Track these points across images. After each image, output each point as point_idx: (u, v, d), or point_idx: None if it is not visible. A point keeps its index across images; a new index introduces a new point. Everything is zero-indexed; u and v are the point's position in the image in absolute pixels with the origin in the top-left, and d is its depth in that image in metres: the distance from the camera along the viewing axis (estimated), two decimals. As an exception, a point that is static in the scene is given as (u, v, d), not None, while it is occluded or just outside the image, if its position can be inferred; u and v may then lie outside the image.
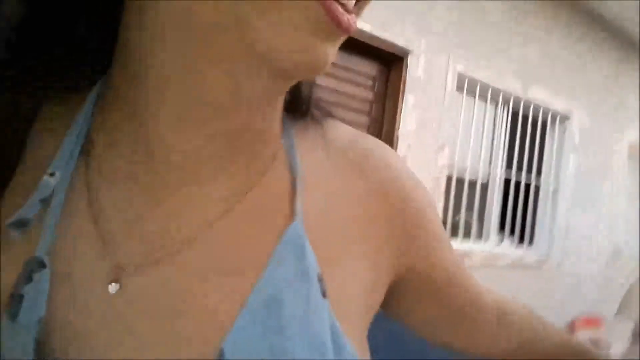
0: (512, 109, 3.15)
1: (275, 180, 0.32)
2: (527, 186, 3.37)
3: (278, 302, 0.28)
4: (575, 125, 3.46)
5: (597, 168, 3.71)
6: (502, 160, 3.16)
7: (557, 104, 3.31)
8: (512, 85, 2.99)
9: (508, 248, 3.22)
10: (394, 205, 0.36)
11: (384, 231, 0.35)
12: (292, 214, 0.31)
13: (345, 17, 0.26)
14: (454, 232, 2.91)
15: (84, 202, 0.30)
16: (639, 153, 4.17)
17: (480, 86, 2.86)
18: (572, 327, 3.48)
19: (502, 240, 3.27)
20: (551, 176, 3.45)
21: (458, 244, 2.88)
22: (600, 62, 3.67)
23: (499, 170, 3.14)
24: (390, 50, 2.39)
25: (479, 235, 3.10)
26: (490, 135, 3.09)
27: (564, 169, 3.45)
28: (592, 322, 3.61)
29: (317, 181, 0.34)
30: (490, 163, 3.09)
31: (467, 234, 2.98)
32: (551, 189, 3.45)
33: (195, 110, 0.29)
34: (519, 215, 3.30)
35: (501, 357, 0.47)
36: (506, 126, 3.16)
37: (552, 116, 3.41)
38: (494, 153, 3.11)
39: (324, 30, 0.26)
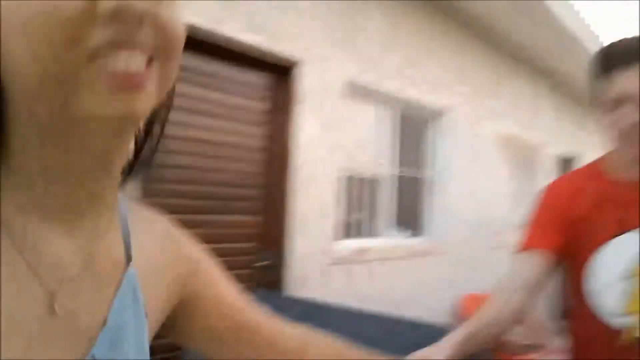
0: (397, 108, 3.39)
1: (114, 243, 0.45)
2: (415, 180, 3.65)
3: (123, 328, 0.43)
4: (453, 119, 3.80)
5: (473, 157, 4.11)
6: (391, 158, 3.39)
7: (436, 101, 3.61)
8: (395, 87, 3.21)
9: (401, 239, 3.46)
10: (185, 266, 0.53)
11: (181, 278, 0.52)
12: (126, 267, 0.45)
13: (132, 79, 0.33)
14: (353, 231, 3.06)
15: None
16: (508, 142, 4.70)
17: (366, 90, 3.03)
18: (461, 303, 3.85)
19: (395, 233, 3.51)
20: (433, 168, 3.76)
21: (357, 242, 3.04)
22: (473, 61, 4.06)
23: (388, 167, 3.35)
24: (280, 61, 2.44)
25: (374, 230, 3.29)
26: (379, 135, 3.29)
27: (444, 160, 3.78)
28: (479, 298, 4.02)
29: (141, 245, 0.48)
30: (380, 162, 3.30)
31: (363, 231, 3.16)
32: (433, 180, 3.76)
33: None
34: (409, 208, 3.56)
35: None
36: (392, 125, 3.38)
37: (431, 112, 3.71)
38: (383, 152, 3.32)
39: (119, 94, 0.33)
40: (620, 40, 1.11)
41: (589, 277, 1.15)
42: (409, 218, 3.59)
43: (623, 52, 1.07)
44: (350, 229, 3.06)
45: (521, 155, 5.09)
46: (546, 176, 5.68)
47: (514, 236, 4.38)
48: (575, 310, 1.24)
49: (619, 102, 1.07)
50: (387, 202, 3.37)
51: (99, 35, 0.32)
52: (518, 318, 1.10)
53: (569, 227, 1.16)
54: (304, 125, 2.55)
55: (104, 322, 0.41)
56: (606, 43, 1.14)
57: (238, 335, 0.58)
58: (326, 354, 0.63)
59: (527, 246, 1.17)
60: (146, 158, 0.46)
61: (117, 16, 0.32)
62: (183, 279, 0.53)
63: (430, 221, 3.74)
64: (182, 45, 0.38)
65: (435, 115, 3.74)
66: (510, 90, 4.73)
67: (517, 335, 3.94)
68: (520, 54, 4.86)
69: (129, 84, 0.33)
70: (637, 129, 1.04)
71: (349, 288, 2.85)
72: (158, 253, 0.50)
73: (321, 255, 2.66)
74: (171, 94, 0.43)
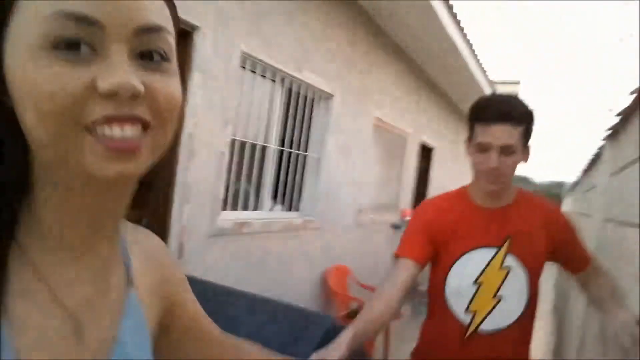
0: (288, 87, 3.46)
1: (117, 268, 0.51)
2: (297, 157, 3.79)
3: (128, 344, 0.49)
4: (336, 103, 4.00)
5: (351, 139, 4.39)
6: (277, 134, 3.47)
7: (323, 85, 3.77)
8: (288, 66, 3.27)
9: (281, 214, 3.60)
10: (170, 279, 0.60)
11: (166, 291, 0.59)
12: (128, 290, 0.51)
13: (127, 144, 0.39)
14: (236, 203, 3.11)
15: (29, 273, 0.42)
16: (382, 129, 5.07)
17: (261, 65, 3.05)
18: (327, 273, 4.16)
19: (276, 207, 3.64)
20: (316, 148, 3.94)
21: (240, 214, 3.10)
22: (361, 52, 4.28)
23: (274, 143, 3.44)
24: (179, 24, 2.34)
25: (257, 204, 3.38)
26: (269, 111, 3.35)
27: (326, 141, 3.98)
28: (341, 269, 4.37)
29: (138, 266, 0.54)
30: (266, 137, 3.36)
31: (246, 204, 3.22)
32: (315, 159, 3.95)
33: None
34: (290, 184, 3.70)
35: None
36: (282, 103, 3.46)
37: (319, 96, 3.87)
38: (270, 127, 3.39)
39: (115, 158, 0.39)
40: (493, 97, 1.37)
41: (449, 280, 1.39)
42: (289, 193, 3.74)
43: (494, 108, 1.31)
44: (235, 201, 3.10)
45: (391, 142, 5.54)
46: (411, 162, 6.27)
47: (377, 216, 4.84)
48: (434, 309, 1.48)
49: (483, 148, 1.31)
50: (270, 176, 3.47)
51: (98, 110, 0.38)
52: (395, 314, 1.29)
53: (437, 238, 1.39)
54: (196, 93, 2.50)
55: (114, 339, 0.47)
56: (483, 94, 1.41)
57: (202, 345, 0.66)
58: None
59: (401, 254, 1.37)
60: (147, 196, 0.52)
61: (114, 95, 0.37)
62: (168, 295, 0.59)
63: (307, 198, 3.93)
64: (177, 113, 0.43)
65: (322, 98, 3.90)
66: (388, 82, 5.09)
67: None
68: (404, 55, 5.24)
69: (124, 149, 0.39)
70: (494, 173, 1.31)
71: (229, 259, 2.91)
72: (150, 272, 0.57)
73: (204, 226, 2.67)
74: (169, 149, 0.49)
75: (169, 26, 0.43)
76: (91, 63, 0.38)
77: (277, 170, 3.57)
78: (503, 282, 1.36)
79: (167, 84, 0.42)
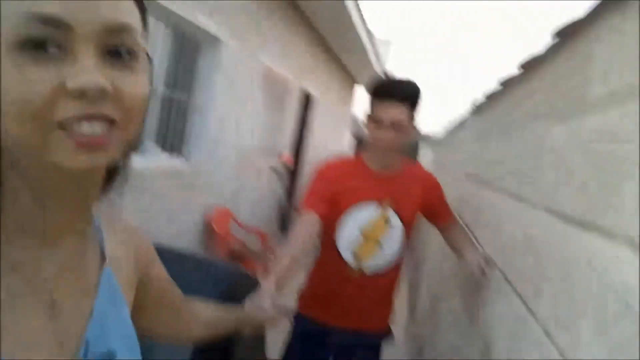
0: (174, 28, 3.30)
1: (92, 248, 0.55)
2: (182, 102, 3.69)
3: (105, 316, 0.53)
4: (224, 48, 3.91)
5: (238, 85, 4.36)
6: (162, 77, 3.33)
7: (212, 27, 3.65)
8: (175, 5, 3.11)
9: (166, 159, 3.53)
10: (140, 251, 0.65)
11: (138, 263, 0.64)
12: (102, 264, 0.55)
13: (95, 140, 0.41)
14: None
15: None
16: (267, 76, 5.09)
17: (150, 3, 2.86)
18: (211, 216, 4.23)
19: (159, 152, 3.54)
20: (202, 93, 3.86)
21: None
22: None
23: (159, 87, 3.30)
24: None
25: (142, 149, 3.27)
26: (153, 52, 3.18)
27: (212, 87, 3.91)
28: (223, 211, 4.47)
29: (110, 244, 0.58)
30: (153, 80, 3.21)
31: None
32: (201, 104, 3.88)
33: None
34: (174, 129, 3.61)
35: (198, 338, 0.85)
36: (167, 44, 3.30)
37: (207, 38, 3.74)
38: (155, 70, 3.23)
39: (84, 152, 0.41)
40: (389, 78, 1.56)
41: (340, 230, 1.61)
42: (174, 139, 3.66)
43: (388, 88, 1.50)
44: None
45: (274, 88, 5.60)
46: (292, 109, 6.41)
47: (259, 160, 4.95)
48: (323, 255, 1.69)
49: (377, 122, 1.51)
50: (154, 121, 3.35)
51: (68, 109, 0.39)
52: (305, 259, 1.44)
53: (334, 196, 1.57)
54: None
55: (91, 314, 0.51)
56: (380, 74, 1.59)
57: (172, 311, 0.73)
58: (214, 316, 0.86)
59: (306, 207, 1.52)
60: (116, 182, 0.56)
61: (82, 94, 0.39)
62: (141, 267, 0.65)
63: (192, 144, 3.88)
64: (144, 109, 0.45)
65: (209, 41, 3.79)
66: (274, 30, 5.07)
67: (255, 246, 4.60)
68: (291, 4, 5.21)
69: (92, 144, 0.41)
70: (385, 145, 1.53)
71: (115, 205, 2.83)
72: (122, 248, 0.61)
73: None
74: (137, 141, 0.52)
75: (137, 24, 0.44)
76: (60, 63, 0.39)
77: (161, 115, 3.45)
78: (384, 233, 1.62)
79: (135, 81, 0.43)
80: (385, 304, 1.76)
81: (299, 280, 1.70)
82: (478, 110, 2.45)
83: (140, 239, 0.66)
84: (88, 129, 0.40)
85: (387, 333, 1.82)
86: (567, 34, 1.00)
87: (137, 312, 0.62)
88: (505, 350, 1.02)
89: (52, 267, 0.48)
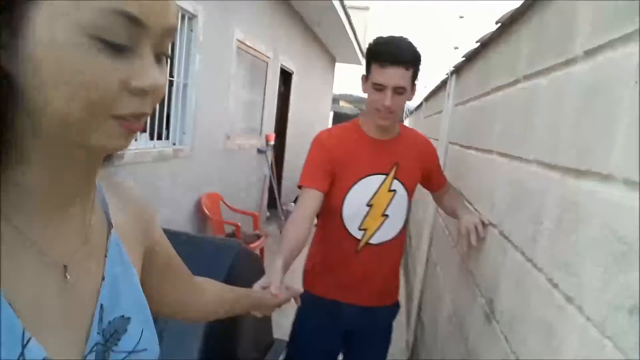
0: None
1: (98, 215, 0.55)
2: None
3: (117, 280, 0.54)
4: (200, 24, 3.84)
5: (216, 63, 4.29)
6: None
7: (186, 4, 3.57)
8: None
9: (151, 143, 3.49)
10: (145, 219, 0.65)
11: (143, 232, 0.64)
12: (109, 230, 0.56)
13: (137, 127, 0.45)
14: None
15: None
16: (246, 53, 5.00)
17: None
18: (202, 201, 4.21)
19: (142, 136, 3.49)
20: (181, 73, 3.80)
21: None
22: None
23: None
24: None
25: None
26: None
27: (191, 66, 3.85)
28: (213, 196, 4.45)
29: (115, 210, 0.58)
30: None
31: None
32: (181, 84, 3.82)
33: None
34: (156, 111, 3.56)
35: (211, 314, 0.86)
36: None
37: (182, 15, 3.66)
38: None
39: (124, 136, 0.45)
40: (389, 40, 1.49)
41: (346, 203, 1.57)
42: (156, 122, 3.61)
43: (390, 52, 1.45)
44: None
45: (253, 66, 5.53)
46: (272, 87, 6.35)
47: (243, 141, 4.96)
48: (329, 229, 1.64)
49: (378, 87, 1.47)
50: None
51: (126, 105, 0.42)
52: (308, 236, 1.43)
53: (334, 168, 1.53)
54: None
55: (103, 278, 0.52)
56: (377, 37, 1.52)
57: (180, 282, 0.74)
58: (222, 295, 0.87)
59: (306, 184, 1.50)
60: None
61: (142, 92, 0.43)
62: (146, 234, 0.65)
63: (175, 126, 3.84)
64: None
65: (185, 17, 3.71)
66: (248, 3, 4.97)
67: (247, 228, 4.60)
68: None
69: (133, 131, 0.45)
70: (387, 110, 1.49)
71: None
72: (128, 214, 0.61)
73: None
74: None
75: None
76: (127, 60, 0.41)
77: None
78: (390, 202, 1.60)
79: (165, 81, 0.46)
80: (393, 275, 1.73)
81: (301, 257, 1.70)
82: (458, 72, 2.46)
83: (144, 208, 0.66)
84: (136, 120, 0.44)
85: (396, 307, 1.79)
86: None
87: (146, 282, 0.62)
88: (511, 302, 1.05)
89: (61, 233, 0.49)
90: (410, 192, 1.65)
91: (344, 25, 7.78)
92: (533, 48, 1.14)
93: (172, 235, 1.70)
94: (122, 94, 0.42)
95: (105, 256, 0.53)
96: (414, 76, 1.51)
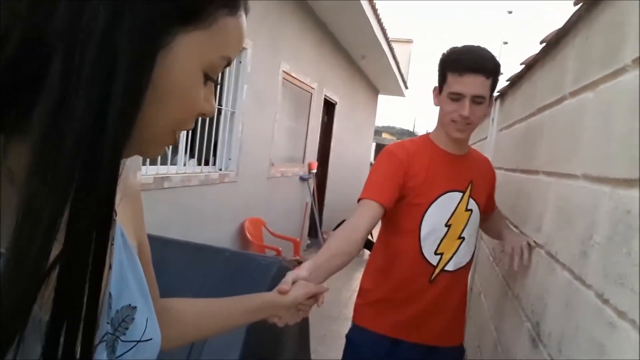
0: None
1: None
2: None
3: (123, 268, 0.53)
4: (248, 56, 4.00)
5: (263, 94, 4.44)
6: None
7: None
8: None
9: (196, 168, 3.61)
10: (138, 215, 0.64)
11: (137, 227, 0.64)
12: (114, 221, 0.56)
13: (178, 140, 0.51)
14: (154, 159, 3.06)
15: None
16: (291, 84, 5.14)
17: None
18: (244, 225, 4.28)
19: (190, 161, 3.63)
20: (229, 102, 3.95)
21: (158, 169, 3.07)
22: (274, 7, 4.27)
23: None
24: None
25: (173, 158, 3.35)
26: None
27: (239, 95, 4.00)
28: (256, 221, 4.52)
29: (117, 202, 0.58)
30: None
31: (164, 159, 3.19)
32: (229, 113, 3.97)
33: None
34: (204, 137, 3.70)
35: (196, 335, 0.80)
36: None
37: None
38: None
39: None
40: (467, 48, 1.41)
41: (425, 223, 1.41)
42: (204, 148, 3.74)
43: (469, 59, 1.36)
44: (153, 158, 3.06)
45: (298, 96, 5.66)
46: (316, 116, 6.47)
47: (286, 169, 5.04)
48: (398, 252, 1.46)
49: (456, 97, 1.37)
50: (184, 131, 3.44)
51: (189, 125, 0.49)
52: (357, 252, 1.27)
53: (407, 182, 1.39)
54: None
55: (110, 266, 0.50)
56: (457, 47, 1.43)
57: (153, 290, 0.69)
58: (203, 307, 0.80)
59: (368, 197, 1.35)
60: None
61: (204, 115, 0.50)
62: (138, 233, 0.63)
63: (222, 152, 3.96)
64: None
65: (234, 50, 3.88)
66: (295, 37, 5.15)
67: (287, 253, 4.62)
68: (310, 9, 5.28)
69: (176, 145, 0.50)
70: (465, 121, 1.38)
71: (151, 213, 2.90)
72: (128, 208, 0.60)
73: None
74: None
75: None
76: (206, 89, 0.49)
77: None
78: (467, 223, 1.46)
79: None
80: (462, 309, 1.56)
81: (348, 281, 1.60)
82: (501, 97, 2.43)
83: (140, 203, 0.65)
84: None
85: (461, 349, 1.59)
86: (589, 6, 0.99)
87: None
88: (559, 322, 1.00)
89: None
90: (483, 212, 1.53)
91: (387, 59, 7.88)
92: (579, 64, 1.12)
93: (216, 251, 1.75)
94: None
95: (112, 244, 0.52)
96: (493, 87, 1.40)
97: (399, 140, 1.54)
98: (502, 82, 2.33)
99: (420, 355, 1.47)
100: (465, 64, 1.35)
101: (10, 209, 0.34)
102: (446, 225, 1.43)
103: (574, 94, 1.12)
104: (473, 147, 1.63)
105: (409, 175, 1.40)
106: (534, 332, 1.16)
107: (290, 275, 0.96)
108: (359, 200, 1.38)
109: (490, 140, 2.63)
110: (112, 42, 0.36)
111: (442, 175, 1.44)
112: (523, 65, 1.81)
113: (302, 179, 6.04)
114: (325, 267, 1.13)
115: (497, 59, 1.40)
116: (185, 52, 0.43)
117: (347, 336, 1.55)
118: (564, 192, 1.09)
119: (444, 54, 1.42)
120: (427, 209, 1.41)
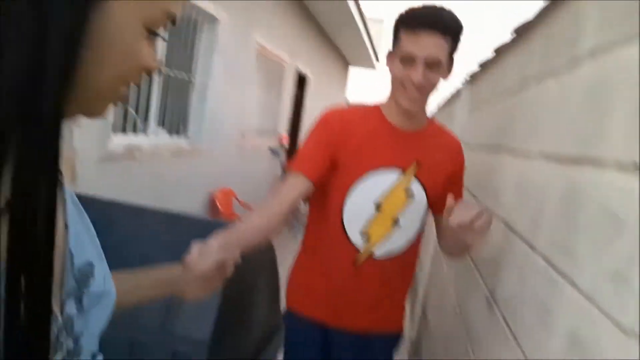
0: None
1: None
2: (182, 82, 3.73)
3: (78, 228, 0.54)
4: (221, 28, 3.95)
5: (235, 65, 4.40)
6: (162, 56, 3.38)
7: (209, 7, 3.68)
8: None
9: (167, 139, 3.59)
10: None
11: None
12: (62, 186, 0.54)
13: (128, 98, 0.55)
14: (124, 127, 3.04)
15: None
16: (264, 57, 5.10)
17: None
18: (214, 196, 4.30)
19: (162, 132, 3.60)
20: (201, 72, 3.90)
21: (128, 139, 3.05)
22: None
23: (160, 66, 3.35)
24: None
25: (145, 128, 3.33)
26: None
27: (212, 66, 3.96)
28: (227, 192, 4.54)
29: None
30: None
31: (134, 128, 3.16)
32: (201, 84, 3.93)
33: None
34: (175, 109, 3.67)
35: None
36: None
37: (204, 18, 3.77)
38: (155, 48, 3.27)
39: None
40: (424, 6, 1.21)
41: (349, 199, 1.28)
42: (175, 119, 3.71)
43: (424, 15, 1.17)
44: (124, 125, 3.03)
45: (270, 69, 5.63)
46: (288, 89, 6.45)
47: (257, 140, 5.05)
48: (320, 233, 1.35)
49: (408, 59, 1.18)
50: (156, 100, 3.40)
51: (137, 79, 0.49)
52: (277, 230, 1.19)
53: (339, 154, 1.24)
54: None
55: (66, 226, 0.51)
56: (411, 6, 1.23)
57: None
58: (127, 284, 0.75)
59: (297, 169, 1.24)
60: None
61: (152, 71, 0.50)
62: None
63: (192, 123, 3.94)
64: None
65: (208, 21, 3.82)
66: (269, 9, 5.08)
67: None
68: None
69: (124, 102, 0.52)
70: (416, 87, 1.19)
71: (121, 183, 2.90)
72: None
73: (95, 150, 2.61)
74: None
75: None
76: (151, 44, 0.49)
77: (162, 94, 3.50)
78: (405, 208, 1.29)
79: None
80: (398, 297, 1.43)
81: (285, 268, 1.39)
82: (472, 80, 2.52)
83: (75, 169, 0.66)
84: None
85: (399, 335, 1.49)
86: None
87: None
88: (512, 286, 1.11)
89: None
90: (431, 199, 1.32)
91: (360, 33, 7.87)
92: (543, 52, 1.21)
93: (191, 219, 1.76)
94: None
95: (64, 205, 0.52)
96: (452, 50, 1.21)
97: (340, 107, 1.38)
98: (474, 66, 2.41)
99: (352, 342, 1.40)
100: (420, 19, 1.17)
101: None
102: (375, 204, 1.28)
103: (537, 80, 1.21)
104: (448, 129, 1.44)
105: (339, 146, 1.26)
106: (490, 296, 1.27)
107: (195, 248, 0.86)
108: (288, 168, 1.29)
109: (459, 120, 2.73)
110: None
111: (379, 150, 1.28)
112: (494, 52, 1.90)
113: (273, 152, 6.06)
114: (236, 243, 1.01)
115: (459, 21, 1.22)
116: (123, 4, 0.43)
117: (283, 319, 1.49)
118: (522, 169, 1.19)
119: (399, 14, 1.23)
120: (354, 184, 1.27)
